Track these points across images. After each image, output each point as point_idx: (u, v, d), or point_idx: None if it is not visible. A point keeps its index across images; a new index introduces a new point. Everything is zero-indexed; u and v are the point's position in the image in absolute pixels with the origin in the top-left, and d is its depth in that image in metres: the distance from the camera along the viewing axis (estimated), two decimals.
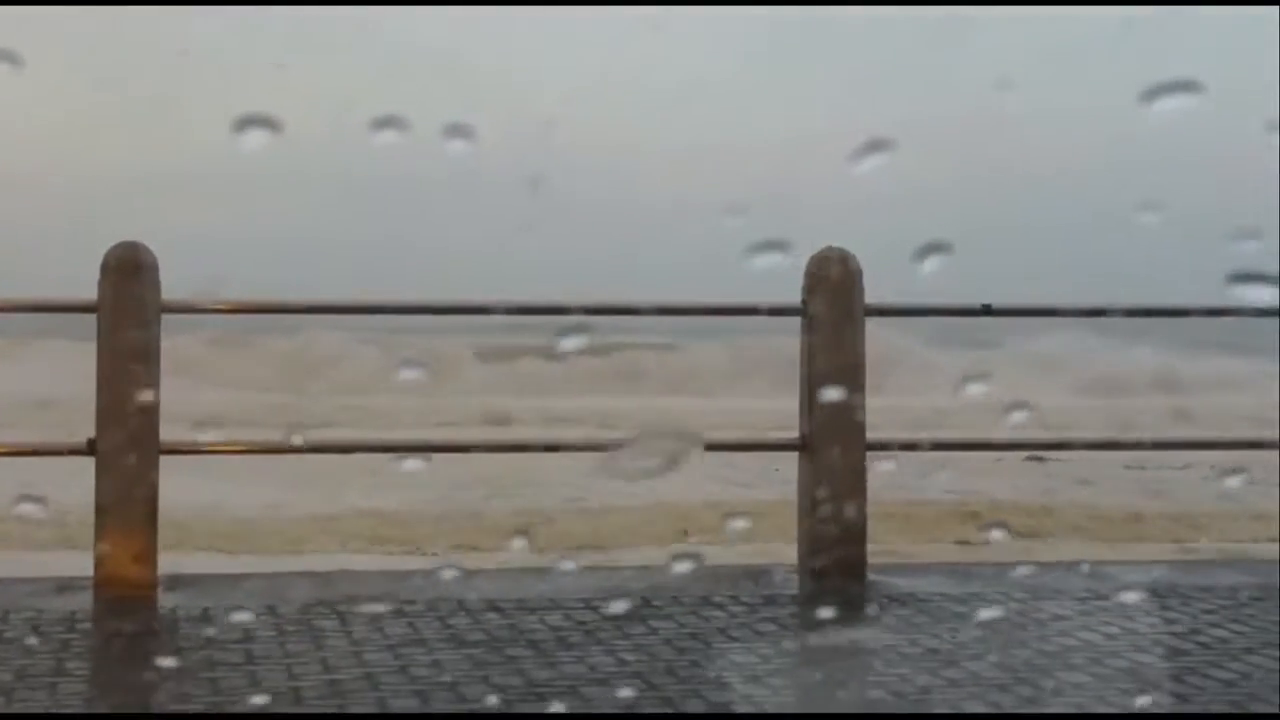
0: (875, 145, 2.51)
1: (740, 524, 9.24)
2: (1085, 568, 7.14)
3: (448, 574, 7.09)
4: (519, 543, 9.47)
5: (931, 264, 2.69)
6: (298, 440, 8.34)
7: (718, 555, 9.96)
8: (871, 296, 7.01)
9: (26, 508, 6.55)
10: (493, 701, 4.82)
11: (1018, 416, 4.20)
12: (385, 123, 2.50)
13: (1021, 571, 7.07)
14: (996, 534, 9.63)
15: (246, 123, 2.14)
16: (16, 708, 4.73)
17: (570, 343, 3.42)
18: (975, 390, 3.42)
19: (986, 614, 6.11)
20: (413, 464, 7.74)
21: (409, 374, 7.72)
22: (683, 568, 6.85)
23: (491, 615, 6.01)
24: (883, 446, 6.91)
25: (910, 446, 7.42)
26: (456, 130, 2.64)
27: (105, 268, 6.50)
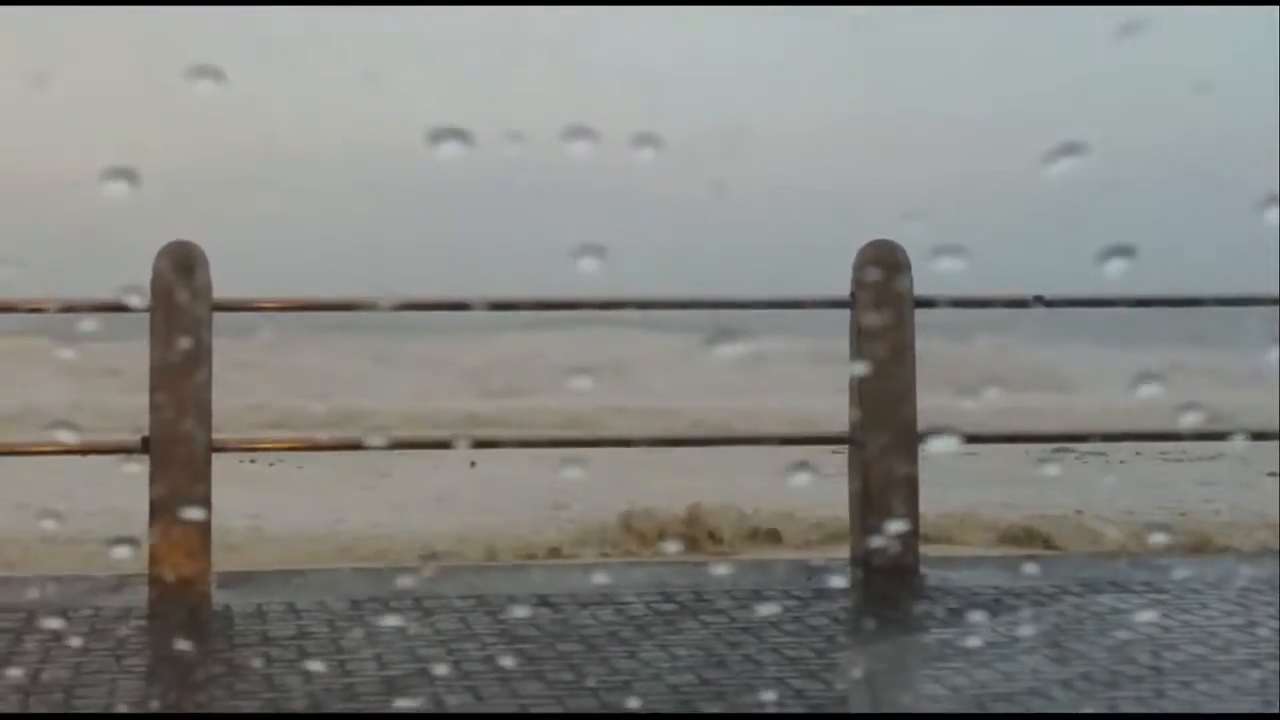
0: (1069, 149, 2.45)
1: None
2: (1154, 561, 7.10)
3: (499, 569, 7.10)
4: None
5: (1115, 267, 2.65)
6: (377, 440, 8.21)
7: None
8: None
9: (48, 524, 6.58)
10: (545, 698, 4.83)
11: (1191, 418, 4.14)
12: (576, 133, 2.49)
13: (1076, 564, 7.04)
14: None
15: (441, 135, 2.13)
16: (75, 705, 4.75)
17: (727, 350, 3.34)
18: (1149, 392, 3.37)
19: (1042, 607, 6.08)
20: (573, 472, 7.59)
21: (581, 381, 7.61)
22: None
23: (543, 610, 6.01)
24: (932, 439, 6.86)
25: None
26: (645, 139, 2.63)
27: (157, 266, 6.53)
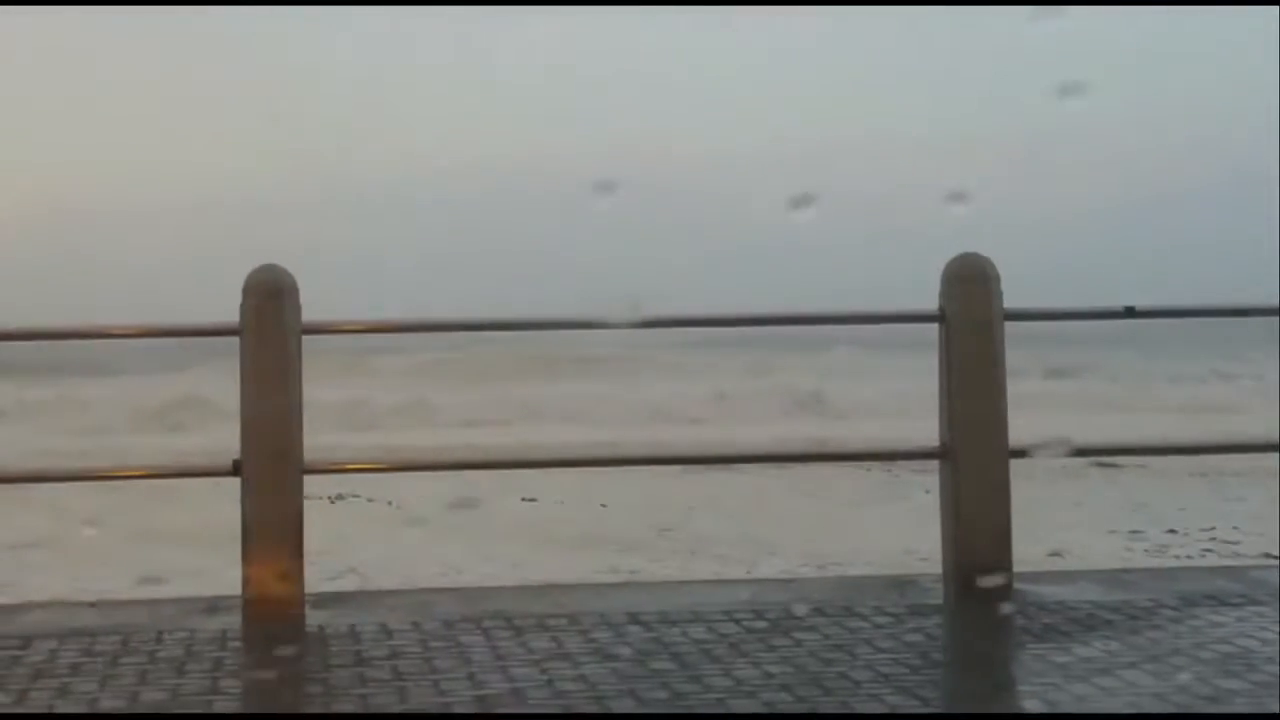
0: None
1: None
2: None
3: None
4: None
5: None
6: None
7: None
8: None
9: None
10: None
11: None
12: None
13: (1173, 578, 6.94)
14: None
15: (800, 201, 2.16)
16: None
17: None
18: None
19: (1140, 622, 6.00)
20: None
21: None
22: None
23: (634, 628, 6.00)
24: (1027, 453, 6.79)
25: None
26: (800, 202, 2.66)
27: (247, 291, 6.58)
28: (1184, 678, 5.10)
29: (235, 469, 6.52)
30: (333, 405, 24.09)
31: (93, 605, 6.63)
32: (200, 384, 28.62)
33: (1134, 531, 13.46)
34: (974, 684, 5.37)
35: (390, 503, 14.80)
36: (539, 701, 4.96)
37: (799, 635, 5.86)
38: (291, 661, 5.68)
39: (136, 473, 7.19)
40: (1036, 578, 6.97)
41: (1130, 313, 7.19)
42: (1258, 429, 12.49)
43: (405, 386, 33.16)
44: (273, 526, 6.48)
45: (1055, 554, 11.27)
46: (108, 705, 5.01)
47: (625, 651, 5.64)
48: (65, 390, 32.15)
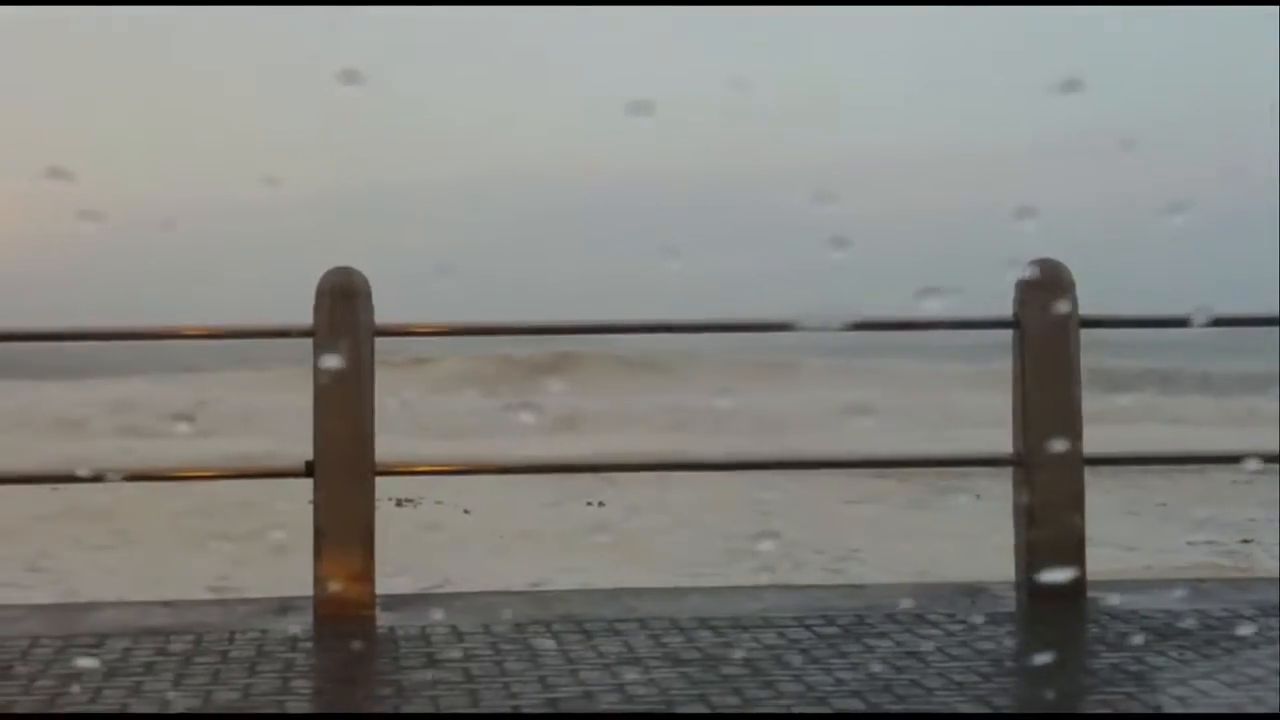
0: None
1: None
2: None
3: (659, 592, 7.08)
4: None
5: None
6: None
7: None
8: None
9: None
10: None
11: None
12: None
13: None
14: None
15: (821, 198, 2.14)
16: None
17: None
18: None
19: (1216, 631, 5.93)
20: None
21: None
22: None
23: (705, 634, 5.99)
24: (1103, 461, 6.74)
25: (1130, 460, 7.22)
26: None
27: (320, 293, 6.60)
28: (1260, 690, 5.04)
29: (308, 470, 6.55)
30: (408, 407, 24.20)
31: (166, 605, 6.68)
32: (267, 384, 28.81)
33: (1209, 541, 13.34)
34: (1046, 692, 5.32)
35: (466, 511, 14.86)
36: (610, 705, 4.95)
37: (870, 641, 5.83)
38: (362, 663, 5.70)
39: (209, 473, 7.23)
40: (1110, 586, 6.90)
41: (1210, 320, 7.09)
42: None
43: (474, 389, 33.29)
44: (344, 527, 6.50)
45: (1129, 562, 11.19)
46: (181, 704, 5.04)
47: (695, 656, 5.63)
48: (122, 391, 32.49)
